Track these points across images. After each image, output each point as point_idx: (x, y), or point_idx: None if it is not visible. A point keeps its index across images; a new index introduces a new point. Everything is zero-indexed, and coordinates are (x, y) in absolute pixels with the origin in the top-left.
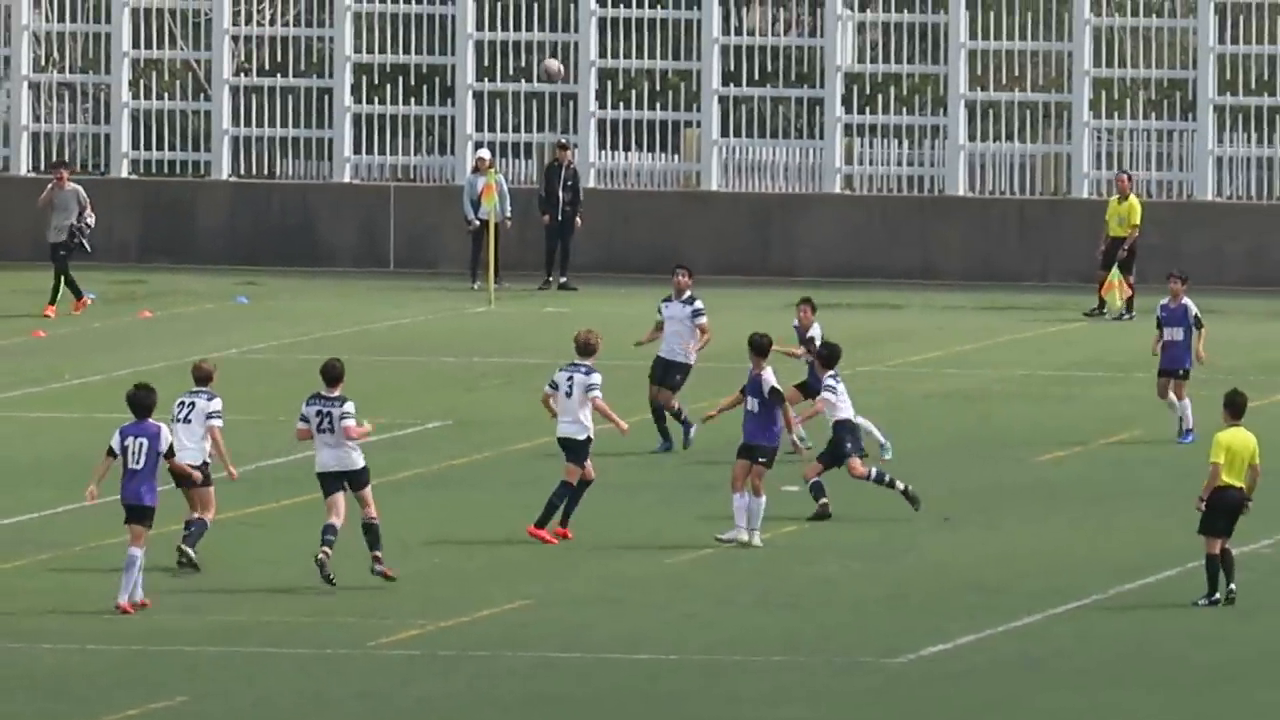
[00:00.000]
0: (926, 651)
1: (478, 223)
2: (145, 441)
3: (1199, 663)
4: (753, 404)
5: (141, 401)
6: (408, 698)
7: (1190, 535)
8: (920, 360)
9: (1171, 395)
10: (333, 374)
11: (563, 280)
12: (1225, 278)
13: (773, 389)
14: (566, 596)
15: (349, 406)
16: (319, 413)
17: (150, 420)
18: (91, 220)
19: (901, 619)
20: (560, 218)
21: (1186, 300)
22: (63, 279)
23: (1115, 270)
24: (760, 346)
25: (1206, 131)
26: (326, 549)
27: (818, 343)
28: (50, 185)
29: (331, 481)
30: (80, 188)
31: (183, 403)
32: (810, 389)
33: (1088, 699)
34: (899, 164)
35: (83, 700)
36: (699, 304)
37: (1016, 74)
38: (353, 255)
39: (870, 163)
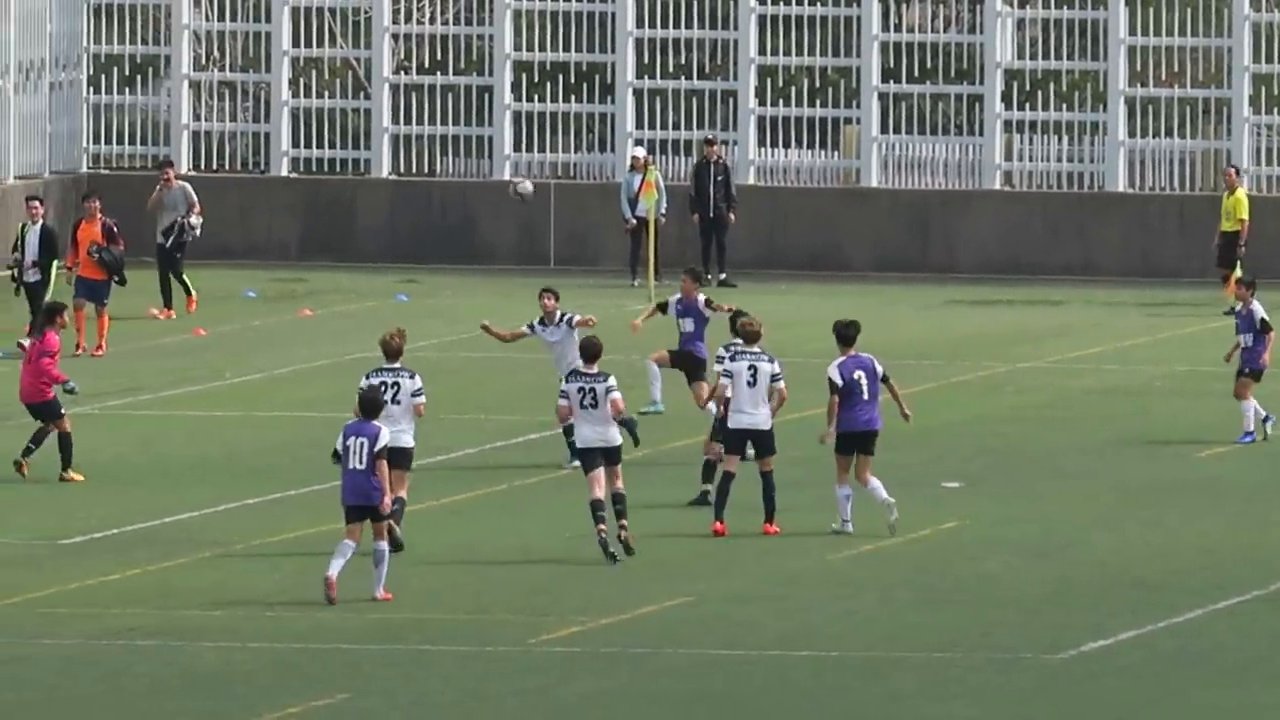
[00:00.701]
0: (1087, 647)
1: (634, 221)
2: (365, 441)
3: None
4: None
5: (373, 401)
6: (568, 695)
7: None
8: (1080, 356)
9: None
10: (592, 350)
11: (722, 277)
12: None
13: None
14: (727, 593)
15: (612, 380)
16: (580, 389)
17: (373, 421)
18: (197, 221)
19: (1062, 615)
20: (712, 215)
21: (1254, 305)
22: (179, 278)
23: (1239, 267)
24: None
25: None
26: (602, 526)
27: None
28: (159, 186)
29: (592, 457)
30: (189, 186)
31: (385, 384)
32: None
33: (1247, 695)
34: (1058, 160)
35: (243, 698)
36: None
37: (1176, 70)
38: (513, 253)
39: (1030, 159)
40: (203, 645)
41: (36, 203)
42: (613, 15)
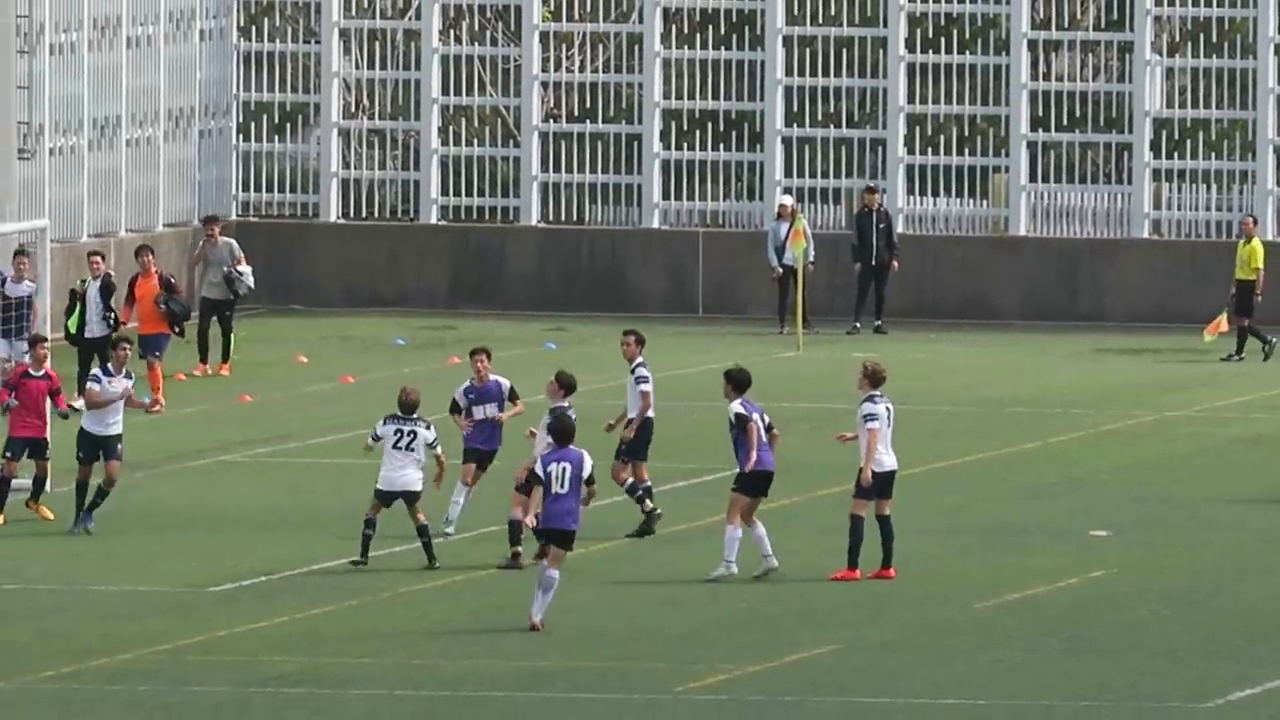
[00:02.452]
0: (1234, 696)
1: (781, 269)
2: (569, 466)
3: None
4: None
5: (569, 429)
6: None
7: None
8: (1228, 405)
9: None
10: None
11: (877, 324)
12: None
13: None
14: (875, 641)
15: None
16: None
17: (573, 447)
18: (246, 269)
19: (1210, 664)
20: (874, 262)
21: None
22: (226, 335)
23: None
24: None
25: None
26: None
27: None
28: (202, 242)
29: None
30: (234, 243)
31: (401, 431)
32: None
33: None
34: (1207, 209)
35: None
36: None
37: None
38: (661, 301)
39: (1178, 208)
40: (350, 693)
41: (98, 258)
42: (762, 63)
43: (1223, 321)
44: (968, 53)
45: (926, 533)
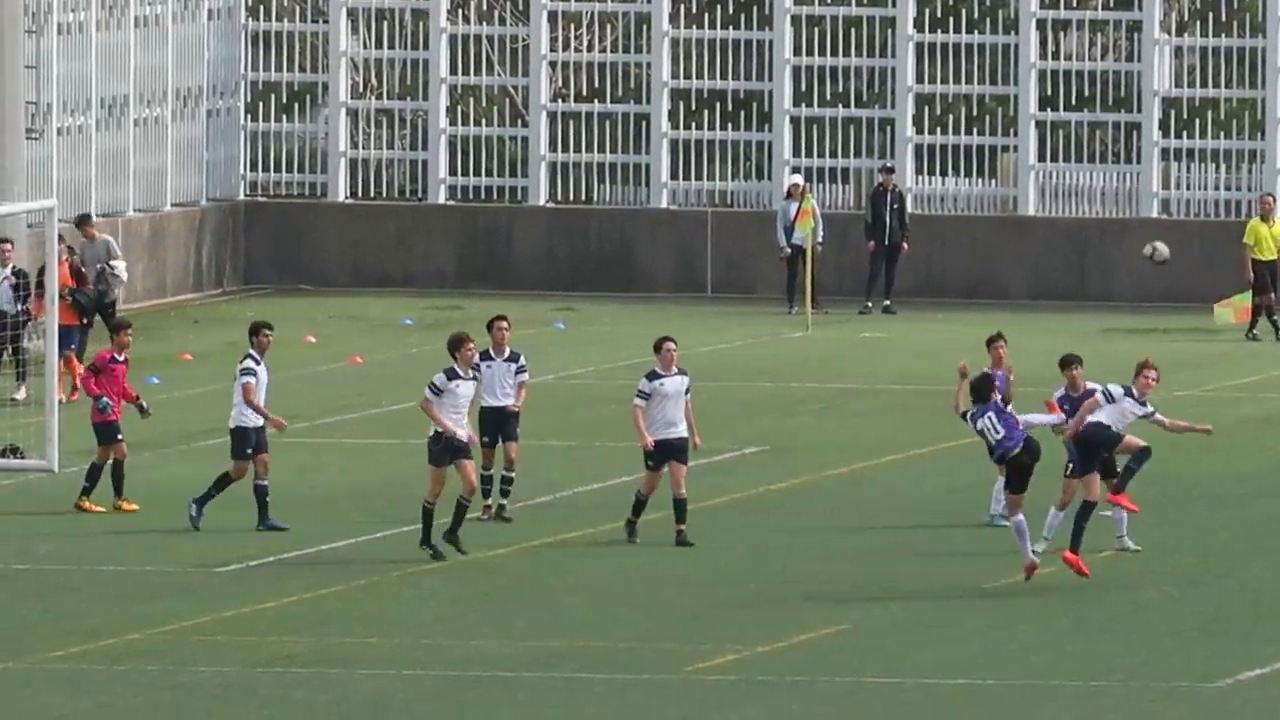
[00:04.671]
0: (1244, 676)
1: (789, 249)
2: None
3: None
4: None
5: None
6: None
7: None
8: (1238, 384)
9: None
10: None
11: (886, 304)
12: None
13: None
14: (884, 621)
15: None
16: None
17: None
18: (119, 264)
19: (1219, 644)
20: (888, 243)
21: None
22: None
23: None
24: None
25: None
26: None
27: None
28: (81, 242)
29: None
30: (111, 240)
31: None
32: None
33: None
34: (1216, 188)
35: None
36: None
37: None
38: (670, 281)
39: (1187, 187)
40: (358, 673)
41: (7, 245)
42: (770, 43)
43: (1244, 306)
44: (976, 32)
45: (935, 511)
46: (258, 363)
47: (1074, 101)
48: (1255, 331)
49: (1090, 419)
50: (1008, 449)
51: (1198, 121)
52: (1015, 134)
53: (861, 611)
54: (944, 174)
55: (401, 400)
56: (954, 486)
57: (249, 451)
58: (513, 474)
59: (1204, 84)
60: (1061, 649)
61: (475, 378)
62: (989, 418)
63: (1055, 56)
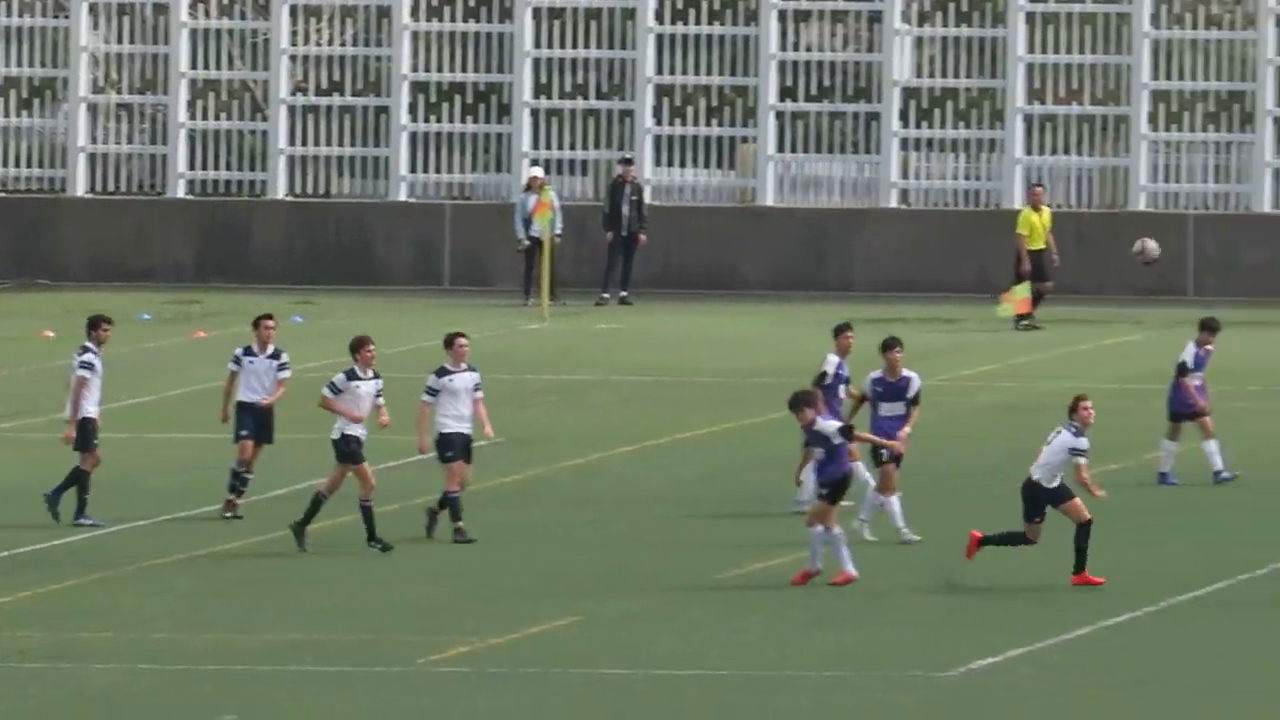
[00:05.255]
0: (977, 665)
1: (528, 241)
2: None
3: (1257, 673)
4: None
5: None
6: (457, 714)
7: (1244, 546)
8: (975, 374)
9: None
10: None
11: (623, 295)
12: None
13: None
14: (617, 613)
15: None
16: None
17: None
18: None
19: (954, 633)
20: (625, 234)
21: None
22: None
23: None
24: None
25: (1265, 143)
26: None
27: None
28: None
29: None
30: None
31: None
32: None
33: (1140, 710)
34: (955, 178)
35: None
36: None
37: (1075, 87)
38: (408, 274)
39: (927, 177)
40: (93, 667)
41: None
42: (510, 35)
43: (1023, 298)
44: (716, 23)
45: (672, 502)
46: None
47: (814, 92)
48: (1030, 323)
49: (1035, 471)
50: (833, 475)
51: (938, 111)
52: (755, 125)
53: (595, 603)
54: (683, 165)
55: (137, 395)
56: (687, 478)
57: (96, 443)
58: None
59: (944, 74)
60: (795, 640)
61: (376, 377)
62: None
63: (795, 47)
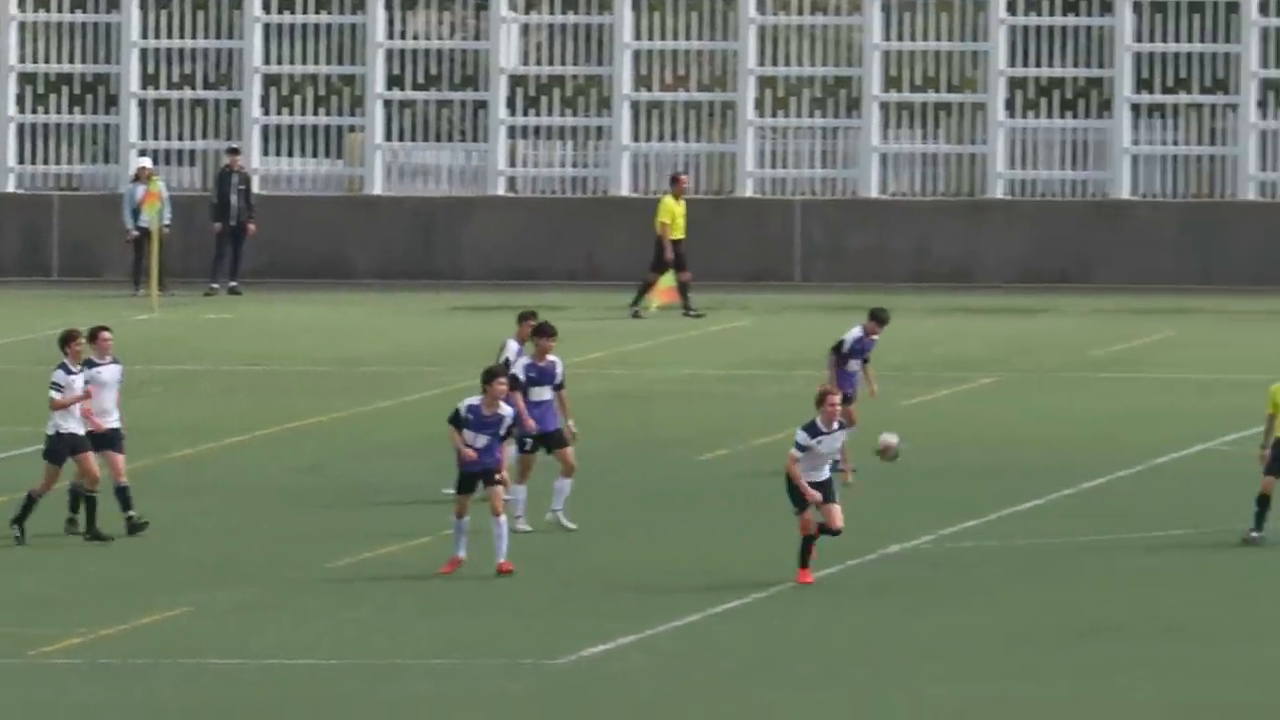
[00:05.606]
0: (587, 652)
1: (136, 231)
2: None
3: (863, 658)
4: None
5: None
6: (68, 706)
7: (854, 533)
8: (584, 361)
9: None
10: None
11: (232, 285)
12: (890, 275)
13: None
14: (227, 603)
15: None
16: None
17: None
18: None
19: (564, 620)
20: (234, 224)
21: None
22: None
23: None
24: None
25: (871, 128)
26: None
27: None
28: None
29: None
30: None
31: None
32: None
33: (748, 696)
34: (563, 165)
35: None
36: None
37: (681, 73)
38: (16, 264)
39: (534, 165)
40: None
41: None
42: (118, 26)
43: (668, 288)
44: (323, 12)
45: (280, 492)
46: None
47: (421, 80)
48: (695, 310)
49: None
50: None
51: (545, 99)
52: (363, 113)
53: (206, 593)
54: (291, 154)
55: None
56: (298, 467)
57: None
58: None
59: (551, 61)
60: (405, 629)
61: (83, 371)
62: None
63: (403, 35)
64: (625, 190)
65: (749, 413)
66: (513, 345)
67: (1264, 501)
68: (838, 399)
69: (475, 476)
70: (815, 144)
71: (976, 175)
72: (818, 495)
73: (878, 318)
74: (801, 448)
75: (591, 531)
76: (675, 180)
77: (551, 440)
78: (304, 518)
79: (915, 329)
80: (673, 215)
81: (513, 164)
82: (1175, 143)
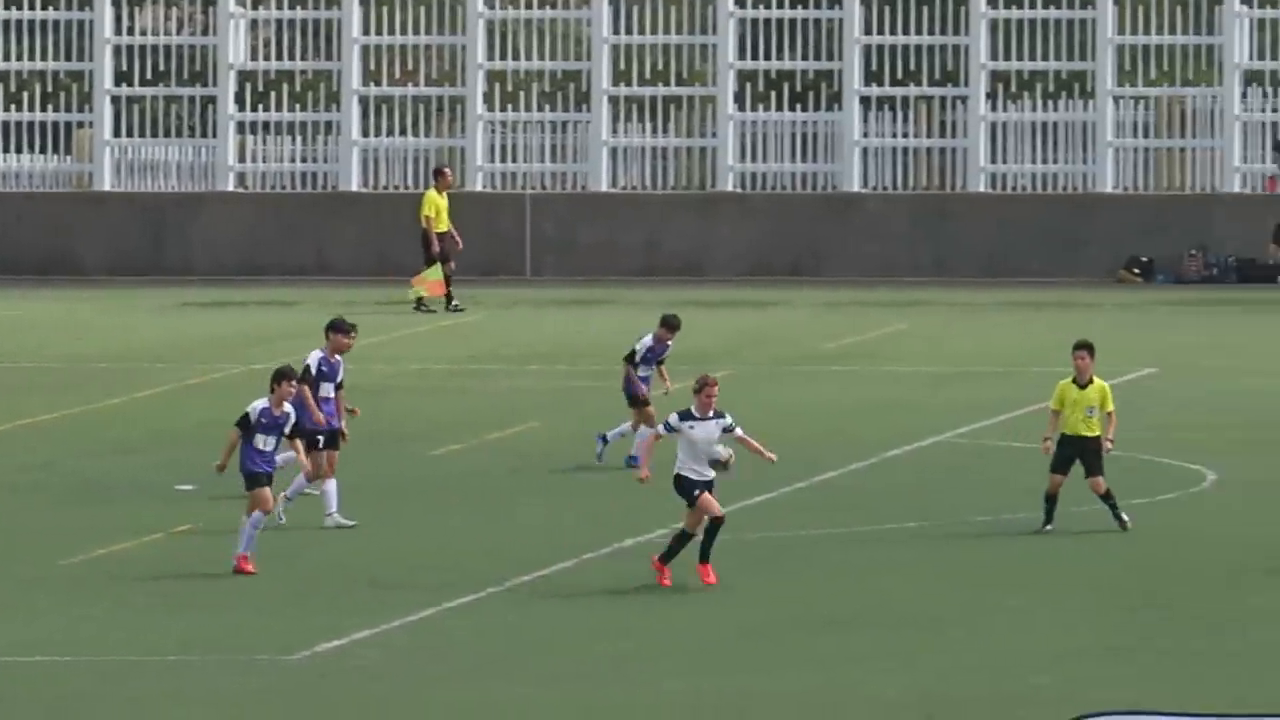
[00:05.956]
0: (321, 647)
1: None
2: None
3: (599, 654)
4: None
5: None
6: None
7: (590, 526)
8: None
9: None
10: None
11: None
12: (621, 269)
13: None
14: None
15: None
16: None
17: None
18: None
19: (300, 617)
20: None
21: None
22: None
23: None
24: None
25: (601, 122)
26: None
27: None
28: None
29: None
30: None
31: None
32: None
33: (482, 691)
34: (293, 161)
35: None
36: None
37: (410, 68)
38: None
39: (264, 160)
40: None
41: None
42: None
43: (435, 280)
44: (50, 9)
45: (11, 489)
46: None
47: (149, 76)
48: (457, 303)
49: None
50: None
51: (274, 94)
52: (91, 110)
53: None
54: (19, 151)
55: None
56: (28, 464)
57: None
58: None
59: (280, 56)
60: (141, 625)
61: None
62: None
63: (130, 31)
64: (355, 185)
65: (481, 407)
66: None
67: (1052, 500)
68: (716, 387)
69: (269, 475)
70: (545, 138)
71: (707, 169)
72: (648, 473)
73: (668, 324)
74: (670, 428)
75: (331, 530)
76: (439, 173)
77: (329, 439)
78: (35, 515)
79: (647, 323)
80: (437, 208)
81: (242, 159)
82: (905, 135)
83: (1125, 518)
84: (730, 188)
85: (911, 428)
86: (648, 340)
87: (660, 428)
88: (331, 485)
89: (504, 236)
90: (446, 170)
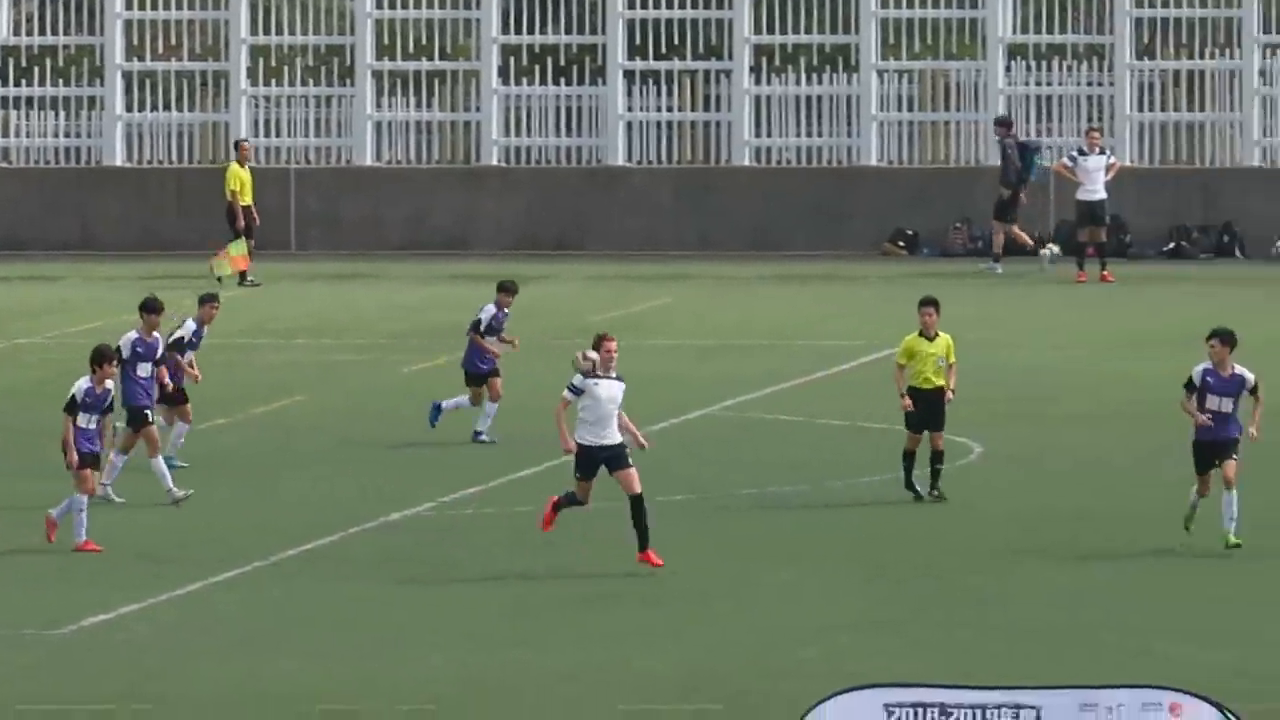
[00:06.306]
0: (87, 622)
1: None
2: None
3: (366, 629)
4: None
5: None
6: None
7: (359, 500)
8: (80, 331)
9: None
10: None
11: None
12: (386, 243)
13: None
14: None
15: None
16: None
17: None
18: None
19: (68, 591)
20: None
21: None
22: None
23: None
24: None
25: (365, 96)
26: None
27: None
28: None
29: None
30: None
31: None
32: None
33: (251, 667)
34: (56, 136)
35: None
36: None
37: (174, 43)
38: None
39: (27, 135)
40: None
41: None
42: None
43: (239, 255)
44: None
45: None
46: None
47: None
48: (253, 278)
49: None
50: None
51: (37, 69)
52: None
53: None
54: None
55: None
56: None
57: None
58: None
59: (42, 31)
60: None
61: None
62: None
63: None
64: (119, 160)
65: (248, 380)
66: (190, 324)
67: (910, 457)
68: (615, 343)
69: (94, 456)
70: (309, 113)
71: (471, 143)
72: (572, 445)
73: (506, 289)
74: (575, 389)
75: (95, 503)
76: (238, 146)
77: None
78: None
79: (412, 296)
80: (241, 182)
81: (5, 134)
82: (670, 109)
83: (938, 490)
84: (495, 162)
85: (678, 401)
86: (490, 309)
87: (565, 392)
88: (159, 461)
89: (269, 211)
90: (245, 143)
